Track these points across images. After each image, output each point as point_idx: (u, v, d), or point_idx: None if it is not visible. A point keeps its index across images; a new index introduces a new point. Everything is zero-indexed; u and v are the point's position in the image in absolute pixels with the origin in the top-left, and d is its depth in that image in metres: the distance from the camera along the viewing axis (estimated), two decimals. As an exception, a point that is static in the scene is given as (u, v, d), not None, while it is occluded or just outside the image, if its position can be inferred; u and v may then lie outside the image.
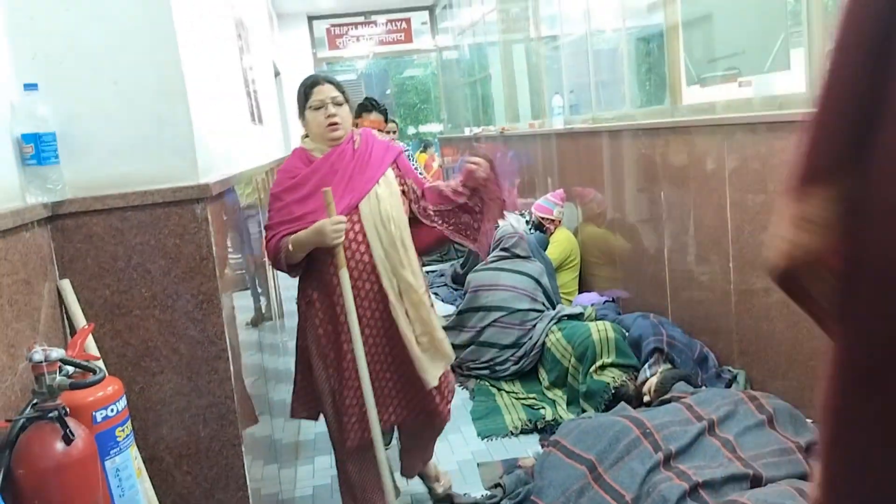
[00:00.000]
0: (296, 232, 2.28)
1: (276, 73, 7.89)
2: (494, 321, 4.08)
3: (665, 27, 4.24)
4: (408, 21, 11.43)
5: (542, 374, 3.93)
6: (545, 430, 3.39)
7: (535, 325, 4.05)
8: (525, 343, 4.01)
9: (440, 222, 2.52)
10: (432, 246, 2.63)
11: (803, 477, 2.30)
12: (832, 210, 0.82)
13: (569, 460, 2.55)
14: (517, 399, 3.77)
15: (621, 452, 2.47)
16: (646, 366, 3.41)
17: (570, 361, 3.72)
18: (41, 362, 1.38)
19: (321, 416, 2.55)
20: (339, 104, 2.39)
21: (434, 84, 15.40)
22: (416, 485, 2.96)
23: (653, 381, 3.24)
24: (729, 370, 3.33)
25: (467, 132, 9.66)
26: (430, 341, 2.42)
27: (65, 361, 1.48)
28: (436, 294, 5.48)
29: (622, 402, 3.12)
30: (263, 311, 3.02)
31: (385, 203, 2.37)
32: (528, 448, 3.25)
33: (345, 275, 2.28)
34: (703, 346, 3.49)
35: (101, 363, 1.73)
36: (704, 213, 3.47)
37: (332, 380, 2.41)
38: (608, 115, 5.18)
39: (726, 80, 4.16)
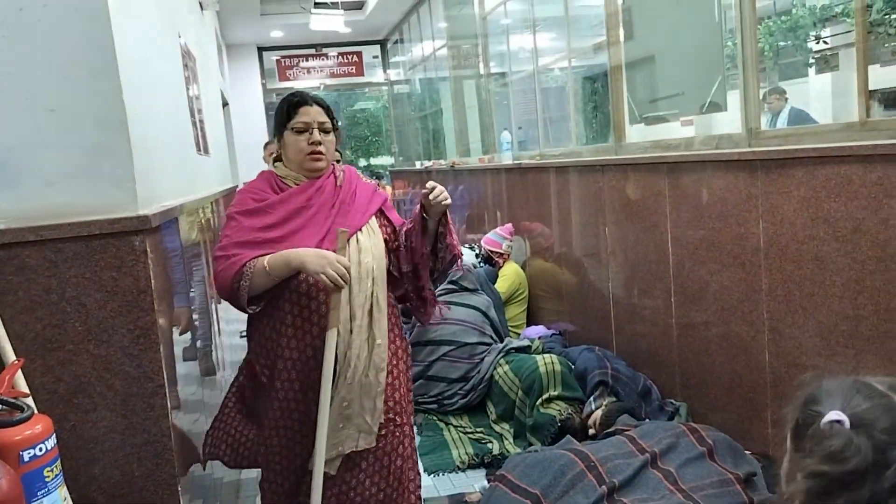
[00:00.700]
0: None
1: (225, 104, 7.84)
2: (443, 355, 4.07)
3: (609, 67, 4.37)
4: (359, 55, 11.52)
5: (490, 408, 3.92)
6: (492, 464, 3.37)
7: (483, 359, 4.05)
8: (473, 377, 4.01)
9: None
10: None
11: (742, 508, 2.33)
12: None
13: (514, 494, 2.54)
14: (465, 433, 3.75)
15: (566, 486, 2.47)
16: (591, 398, 3.44)
17: (517, 394, 3.72)
18: (-36, 400, 1.32)
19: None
20: (326, 131, 2.09)
21: (385, 117, 15.49)
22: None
23: (598, 413, 3.27)
24: (672, 402, 3.38)
25: (418, 165, 9.72)
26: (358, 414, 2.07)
27: (-10, 399, 1.43)
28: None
29: (568, 436, 3.13)
30: (205, 354, 2.95)
31: (366, 254, 2.06)
32: (474, 483, 3.23)
33: (332, 335, 1.97)
34: (647, 379, 3.54)
35: (30, 400, 1.67)
36: (647, 249, 3.55)
37: (283, 437, 2.11)
38: (555, 152, 5.28)
39: (666, 120, 4.30)
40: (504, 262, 5.11)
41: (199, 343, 2.78)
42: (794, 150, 2.59)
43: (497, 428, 3.77)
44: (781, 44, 9.72)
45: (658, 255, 3.43)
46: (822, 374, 0.95)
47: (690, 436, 2.70)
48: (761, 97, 3.20)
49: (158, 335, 1.82)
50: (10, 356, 1.69)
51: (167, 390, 1.83)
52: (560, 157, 5.02)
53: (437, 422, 3.93)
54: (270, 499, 2.18)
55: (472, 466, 3.40)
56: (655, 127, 4.41)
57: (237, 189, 5.25)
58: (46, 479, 1.52)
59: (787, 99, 6.76)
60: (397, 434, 2.17)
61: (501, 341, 4.26)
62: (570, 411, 3.45)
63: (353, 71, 11.56)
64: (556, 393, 3.56)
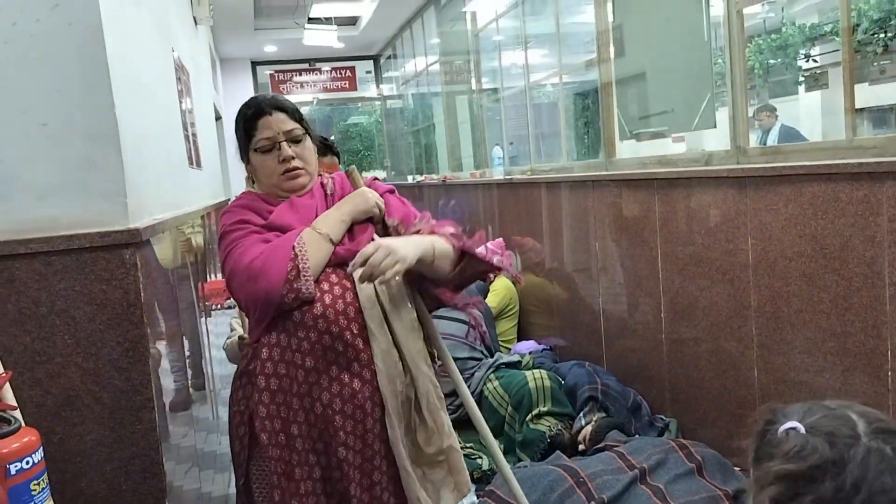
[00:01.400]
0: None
1: (218, 117, 7.86)
2: (432, 369, 4.07)
3: (600, 84, 4.40)
4: (352, 69, 11.57)
5: (480, 423, 3.92)
6: (482, 479, 3.36)
7: (473, 374, 4.05)
8: (463, 391, 4.00)
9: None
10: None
11: (731, 524, 2.34)
12: None
13: (503, 510, 2.53)
14: (454, 448, 3.74)
15: (555, 502, 2.47)
16: (581, 414, 3.44)
17: (506, 410, 3.72)
18: (-50, 413, 1.31)
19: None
20: (296, 140, 1.71)
21: (378, 132, 15.54)
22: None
23: (587, 429, 3.27)
24: (661, 418, 3.39)
25: (410, 180, 9.75)
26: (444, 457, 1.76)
27: (-23, 412, 1.42)
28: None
29: (557, 451, 3.13)
30: (194, 367, 2.95)
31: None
32: (464, 498, 3.22)
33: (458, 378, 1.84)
34: (637, 395, 3.55)
35: (17, 413, 1.66)
36: (637, 264, 3.57)
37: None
38: (546, 167, 5.31)
39: (657, 137, 4.34)
40: (495, 277, 5.11)
41: (187, 357, 2.77)
42: (781, 167, 2.62)
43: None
44: (771, 62, 9.83)
45: (648, 271, 3.45)
46: (777, 404, 0.98)
47: (679, 452, 2.71)
48: (751, 115, 3.24)
49: (147, 348, 1.82)
50: (-1, 369, 1.68)
51: (155, 404, 1.83)
52: (551, 172, 5.04)
53: (428, 437, 3.91)
54: None
55: (461, 482, 3.39)
56: (646, 143, 4.45)
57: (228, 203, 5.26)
58: (33, 493, 1.51)
59: (777, 116, 6.83)
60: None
61: (492, 356, 4.26)
62: (559, 427, 3.45)
63: (347, 86, 11.61)
64: (545, 409, 3.56)
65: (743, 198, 2.76)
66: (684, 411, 3.29)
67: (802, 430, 0.89)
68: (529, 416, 3.54)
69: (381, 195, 1.80)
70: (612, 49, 4.31)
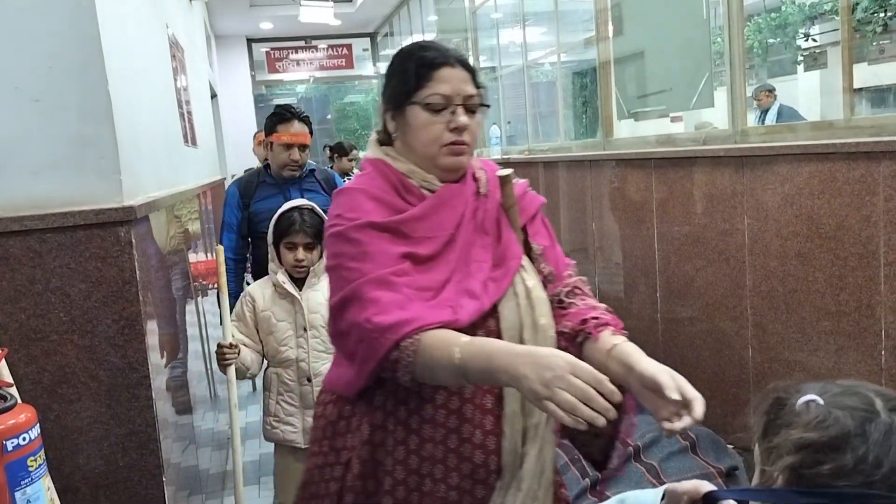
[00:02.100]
0: (427, 326, 1.21)
1: (213, 95, 7.81)
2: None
3: (598, 63, 4.38)
4: (349, 47, 11.49)
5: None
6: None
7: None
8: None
9: None
10: None
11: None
12: None
13: (499, 487, 2.55)
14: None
15: (550, 479, 2.49)
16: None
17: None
18: (-54, 389, 1.31)
19: None
20: (472, 111, 1.36)
21: (375, 110, 15.46)
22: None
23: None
24: (656, 397, 3.41)
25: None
26: None
27: (-27, 388, 1.42)
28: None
29: (553, 429, 3.15)
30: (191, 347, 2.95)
31: (539, 303, 1.33)
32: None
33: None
34: (632, 373, 3.56)
35: (14, 390, 1.66)
36: (633, 244, 3.57)
37: None
38: (544, 147, 5.29)
39: (655, 117, 4.32)
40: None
41: (184, 335, 2.78)
42: (778, 146, 2.62)
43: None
44: (770, 41, 9.77)
45: (644, 251, 3.46)
46: (785, 381, 0.97)
47: (674, 429, 2.73)
48: (749, 94, 3.22)
49: (143, 326, 1.82)
50: (-6, 347, 1.69)
51: (152, 381, 1.83)
52: (548, 151, 5.03)
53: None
54: None
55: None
56: (645, 122, 4.43)
57: (224, 182, 5.22)
58: (30, 469, 1.52)
59: (775, 96, 6.80)
60: None
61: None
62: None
63: (343, 63, 11.53)
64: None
65: (740, 177, 2.76)
66: (679, 390, 3.31)
67: (822, 402, 0.89)
68: (525, 395, 3.56)
69: (534, 214, 1.46)
70: (610, 28, 4.28)
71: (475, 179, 1.41)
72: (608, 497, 1.18)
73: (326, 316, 1.38)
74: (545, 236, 1.46)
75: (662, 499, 1.11)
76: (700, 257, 3.04)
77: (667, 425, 1.13)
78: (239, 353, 2.29)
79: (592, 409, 1.04)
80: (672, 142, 3.55)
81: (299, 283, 2.38)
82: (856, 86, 2.66)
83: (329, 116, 16.82)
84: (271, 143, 3.04)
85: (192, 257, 3.24)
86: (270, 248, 2.38)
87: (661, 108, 4.15)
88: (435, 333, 1.21)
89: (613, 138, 4.24)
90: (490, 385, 1.28)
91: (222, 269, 2.38)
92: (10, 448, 1.48)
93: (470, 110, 1.35)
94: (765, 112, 6.62)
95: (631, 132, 4.48)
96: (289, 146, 3.00)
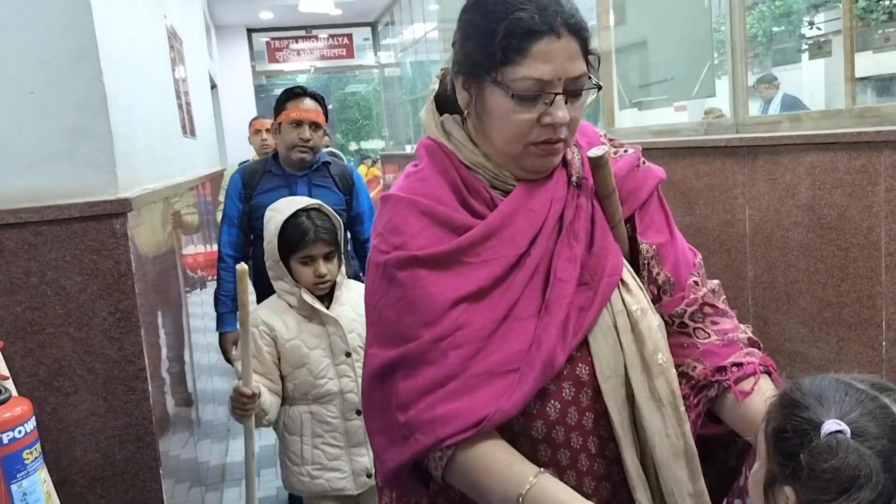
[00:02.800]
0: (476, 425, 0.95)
1: (213, 86, 7.78)
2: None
3: (599, 52, 4.35)
4: (349, 37, 11.43)
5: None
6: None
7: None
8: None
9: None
10: None
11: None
12: None
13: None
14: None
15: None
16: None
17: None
18: (-60, 383, 1.31)
19: None
20: (576, 95, 1.01)
21: (376, 100, 15.42)
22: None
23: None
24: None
25: (408, 149, 9.68)
26: None
27: (-32, 382, 1.42)
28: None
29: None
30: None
31: (651, 335, 1.03)
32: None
33: None
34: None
35: (10, 383, 1.66)
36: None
37: None
38: (544, 136, 5.26)
39: (657, 106, 4.29)
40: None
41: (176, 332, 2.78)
42: (780, 136, 2.60)
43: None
44: (775, 29, 9.71)
45: (645, 241, 3.44)
46: (798, 381, 0.87)
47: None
48: (751, 84, 3.20)
49: (139, 318, 1.81)
50: (-10, 339, 1.68)
51: (148, 374, 1.83)
52: (550, 141, 5.01)
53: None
54: None
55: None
56: (648, 112, 4.40)
57: (224, 172, 5.21)
58: (26, 462, 1.52)
59: (778, 86, 6.76)
60: None
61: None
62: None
63: (344, 53, 11.48)
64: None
65: (741, 167, 2.74)
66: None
67: (849, 433, 0.77)
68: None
69: (647, 199, 1.12)
70: (611, 16, 4.25)
71: (565, 164, 1.08)
72: None
73: (363, 334, 1.18)
74: (661, 228, 1.11)
75: None
76: (701, 248, 3.02)
77: None
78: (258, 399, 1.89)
79: None
80: (674, 132, 3.52)
81: (323, 300, 2.03)
82: (860, 75, 2.65)
83: (330, 107, 16.80)
84: (279, 125, 2.73)
85: (190, 249, 3.23)
86: (275, 265, 1.98)
87: (664, 97, 4.13)
88: (487, 452, 0.95)
89: (615, 128, 4.22)
90: None
91: (246, 297, 1.83)
92: (5, 441, 1.47)
93: (574, 95, 1.00)
94: (768, 103, 6.59)
95: (634, 122, 4.46)
96: (298, 123, 2.67)
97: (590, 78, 1.01)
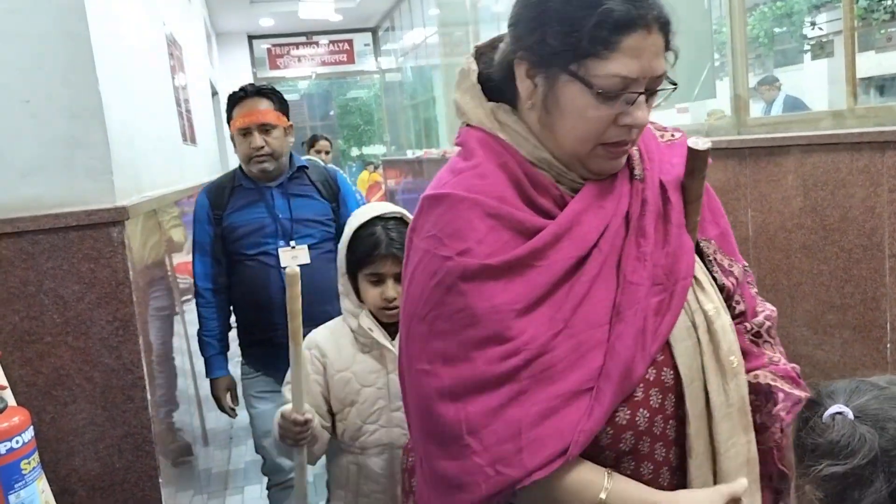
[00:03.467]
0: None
1: (214, 93, 7.79)
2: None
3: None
4: (350, 42, 11.45)
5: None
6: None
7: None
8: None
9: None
10: None
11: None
12: None
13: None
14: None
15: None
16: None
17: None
18: (-65, 394, 1.30)
19: None
20: (653, 93, 0.97)
21: (377, 106, 15.44)
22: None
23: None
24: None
25: (410, 154, 9.69)
26: None
27: (-36, 393, 1.41)
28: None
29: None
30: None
31: (724, 336, 0.99)
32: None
33: None
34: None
35: (8, 392, 1.65)
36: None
37: None
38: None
39: (658, 108, 4.28)
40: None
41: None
42: (782, 137, 2.58)
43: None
44: (776, 30, 9.70)
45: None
46: (820, 382, 0.88)
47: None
48: (752, 85, 3.19)
49: (137, 327, 1.80)
50: (-13, 349, 1.67)
51: (147, 382, 1.82)
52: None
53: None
54: None
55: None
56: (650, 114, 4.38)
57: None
58: (23, 472, 1.51)
59: (779, 88, 6.74)
60: None
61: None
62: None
63: (345, 59, 11.50)
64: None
65: (743, 169, 2.73)
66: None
67: (850, 414, 0.78)
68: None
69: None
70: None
71: (629, 158, 1.01)
72: None
73: None
74: (717, 218, 1.06)
75: None
76: (703, 250, 3.01)
77: None
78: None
79: None
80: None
81: (388, 328, 1.61)
82: (863, 75, 2.63)
83: (332, 112, 16.81)
84: (233, 136, 2.38)
85: (188, 257, 3.22)
86: (342, 280, 1.65)
87: (661, 99, 4.11)
88: (563, 471, 0.89)
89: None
90: None
91: (297, 304, 1.49)
92: (2, 451, 1.46)
93: (652, 93, 0.94)
94: (770, 104, 6.57)
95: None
96: (245, 132, 2.28)
97: (666, 77, 0.95)
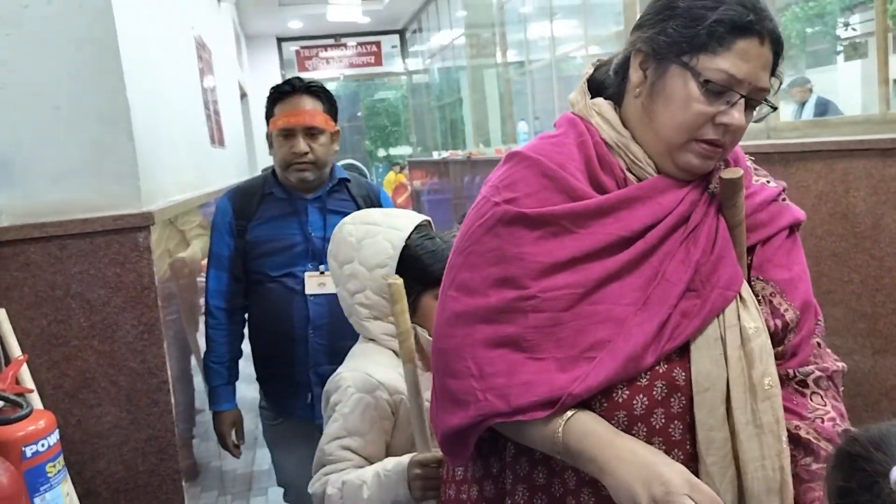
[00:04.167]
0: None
1: (243, 95, 7.87)
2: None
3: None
4: (378, 44, 11.51)
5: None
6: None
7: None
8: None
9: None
10: None
11: None
12: None
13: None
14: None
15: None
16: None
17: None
18: (-37, 398, 1.32)
19: None
20: (752, 107, 1.00)
21: (404, 107, 15.48)
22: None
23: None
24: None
25: (436, 156, 9.70)
26: None
27: (-7, 395, 1.43)
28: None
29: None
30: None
31: (761, 356, 0.98)
32: None
33: None
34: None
35: (35, 396, 1.68)
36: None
37: None
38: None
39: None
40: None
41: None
42: (812, 143, 2.53)
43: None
44: (808, 31, 9.55)
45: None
46: (856, 431, 0.81)
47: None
48: (784, 87, 3.14)
49: (163, 331, 1.82)
50: (16, 352, 1.70)
51: (171, 386, 1.84)
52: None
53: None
54: None
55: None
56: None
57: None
58: (49, 475, 1.53)
59: (811, 90, 6.63)
60: None
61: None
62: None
63: (372, 61, 11.56)
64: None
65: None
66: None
67: None
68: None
69: (776, 233, 1.06)
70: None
71: (716, 171, 1.03)
72: None
73: None
74: (787, 265, 1.05)
75: None
76: (731, 256, 2.97)
77: None
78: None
79: None
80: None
81: None
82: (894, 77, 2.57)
83: (359, 114, 16.90)
84: (270, 136, 2.08)
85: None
86: (380, 300, 1.47)
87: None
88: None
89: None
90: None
91: (405, 319, 1.34)
92: (28, 454, 1.48)
93: (751, 105, 0.98)
94: (801, 106, 6.47)
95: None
96: (288, 133, 2.00)
97: (766, 99, 0.99)
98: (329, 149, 2.04)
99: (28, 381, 1.71)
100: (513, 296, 0.97)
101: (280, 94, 2.05)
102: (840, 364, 1.08)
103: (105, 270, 1.78)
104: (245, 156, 6.83)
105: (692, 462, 0.96)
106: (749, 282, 1.03)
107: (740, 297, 0.99)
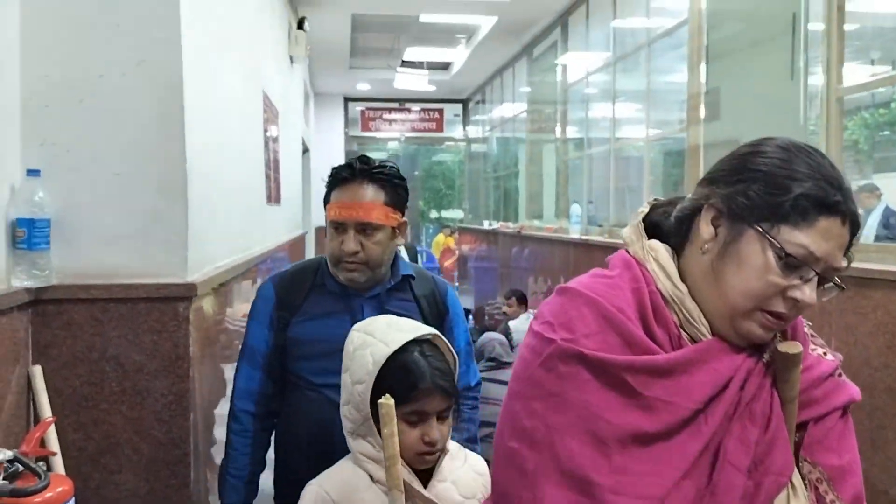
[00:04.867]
0: None
1: (305, 150, 8.07)
2: (484, 437, 3.95)
3: (687, 146, 4.29)
4: (441, 111, 11.73)
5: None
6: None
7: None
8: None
9: None
10: None
11: None
12: None
13: None
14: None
15: None
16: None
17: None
18: (-14, 463, 1.32)
19: None
20: (822, 284, 0.98)
21: (460, 172, 15.65)
22: None
23: None
24: None
25: (486, 225, 9.72)
26: None
27: (16, 459, 1.43)
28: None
29: None
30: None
31: None
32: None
33: None
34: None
35: (58, 459, 1.68)
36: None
37: None
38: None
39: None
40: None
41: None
42: (873, 269, 2.44)
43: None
44: (879, 136, 9.38)
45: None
46: None
47: None
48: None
49: (190, 402, 1.82)
50: (47, 410, 1.71)
51: (192, 459, 1.82)
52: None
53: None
54: None
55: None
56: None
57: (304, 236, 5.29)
58: (61, 543, 1.52)
59: (879, 196, 6.45)
60: None
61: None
62: None
63: (434, 127, 11.77)
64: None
65: (827, 292, 2.58)
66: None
67: None
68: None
69: (828, 412, 1.00)
70: (702, 112, 4.20)
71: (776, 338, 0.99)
72: None
73: None
74: (840, 451, 0.99)
75: None
76: (780, 373, 2.85)
77: None
78: None
79: None
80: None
81: (421, 474, 1.36)
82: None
83: (416, 173, 17.16)
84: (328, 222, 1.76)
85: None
86: (363, 419, 1.36)
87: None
88: None
89: (697, 231, 4.10)
90: None
91: (394, 444, 1.19)
92: (42, 522, 1.47)
93: (820, 282, 0.94)
94: (868, 213, 6.28)
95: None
96: (339, 226, 1.70)
97: (836, 279, 0.95)
98: (387, 247, 1.73)
99: (53, 443, 1.71)
100: (588, 459, 0.91)
101: (339, 180, 1.74)
102: None
103: (143, 336, 1.80)
104: (300, 211, 6.95)
105: None
106: (797, 462, 0.97)
107: (791, 483, 0.94)
